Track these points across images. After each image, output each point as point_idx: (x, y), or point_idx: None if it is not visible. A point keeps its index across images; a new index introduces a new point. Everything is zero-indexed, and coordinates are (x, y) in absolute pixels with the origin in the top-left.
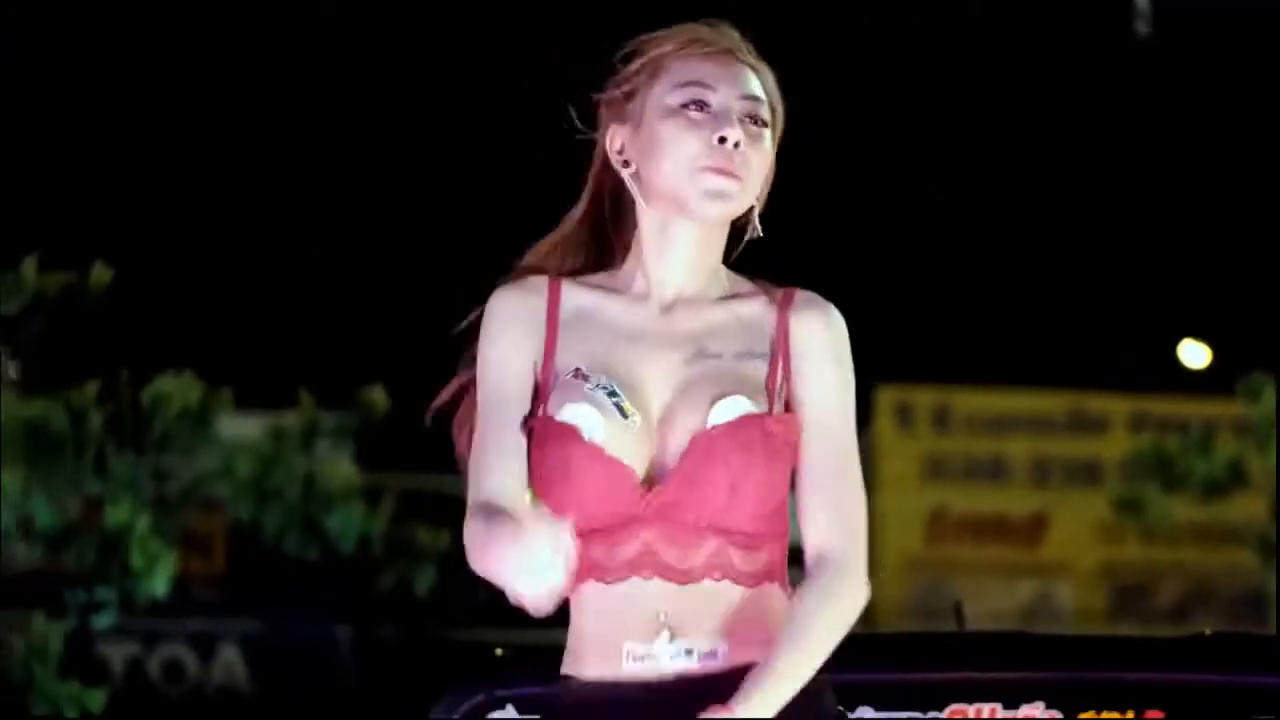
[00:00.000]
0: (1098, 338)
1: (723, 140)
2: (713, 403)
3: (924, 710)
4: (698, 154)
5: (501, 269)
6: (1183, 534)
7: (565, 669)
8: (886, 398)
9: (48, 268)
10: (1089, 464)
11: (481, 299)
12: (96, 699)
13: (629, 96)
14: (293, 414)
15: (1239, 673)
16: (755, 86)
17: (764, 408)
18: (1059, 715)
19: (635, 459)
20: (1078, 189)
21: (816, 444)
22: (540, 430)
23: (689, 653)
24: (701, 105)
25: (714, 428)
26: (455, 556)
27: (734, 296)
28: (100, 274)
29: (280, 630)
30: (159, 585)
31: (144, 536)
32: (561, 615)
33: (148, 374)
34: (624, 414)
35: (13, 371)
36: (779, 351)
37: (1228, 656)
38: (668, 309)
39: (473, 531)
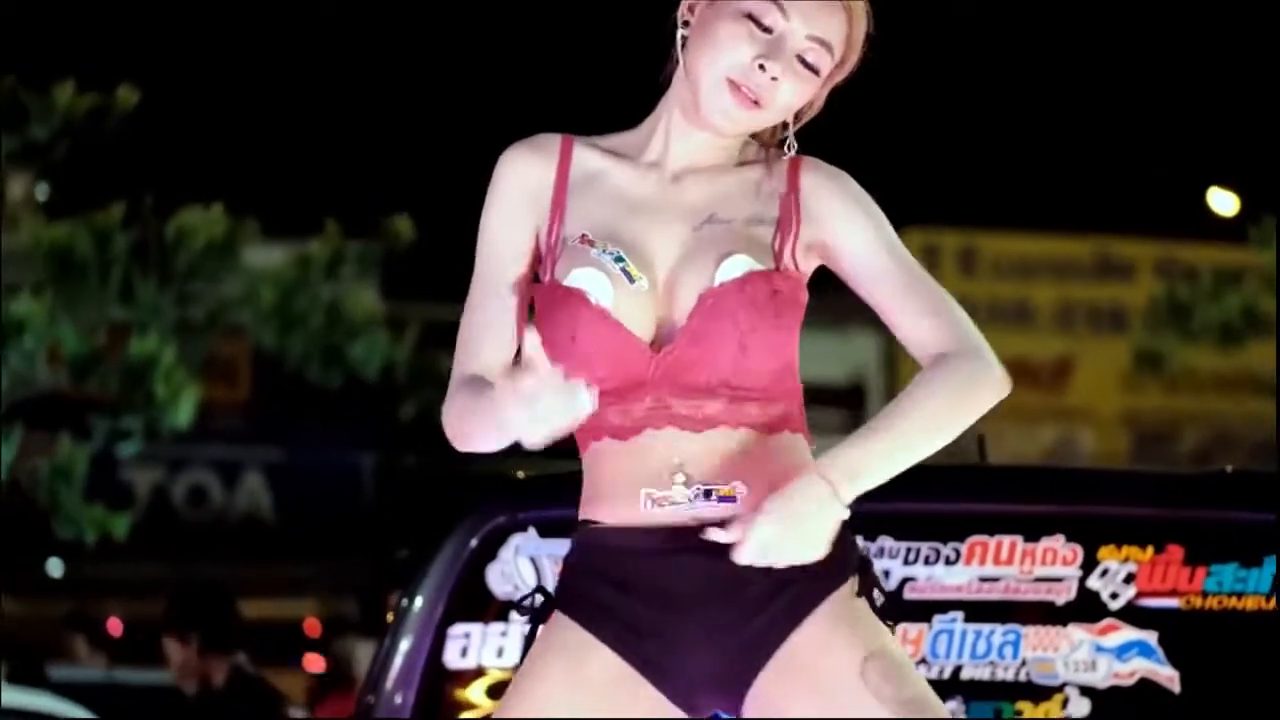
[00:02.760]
0: (1126, 183)
1: (762, 67)
2: (718, 262)
3: (944, 541)
4: (733, 67)
5: (527, 103)
6: (1204, 382)
7: (582, 515)
8: (912, 241)
9: (76, 93)
10: (1115, 310)
11: (508, 131)
12: (120, 524)
13: None
14: (318, 242)
15: (1258, 510)
16: (830, 29)
17: (770, 267)
18: (1079, 549)
19: (643, 322)
20: (1109, 32)
21: (879, 275)
22: (546, 296)
23: (707, 494)
24: (767, 27)
25: (720, 285)
26: None
27: (743, 164)
28: (125, 95)
29: (303, 457)
30: (183, 416)
31: (170, 367)
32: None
33: (173, 200)
34: (631, 278)
35: (39, 194)
36: (790, 215)
37: (1247, 494)
38: (677, 178)
39: (457, 405)
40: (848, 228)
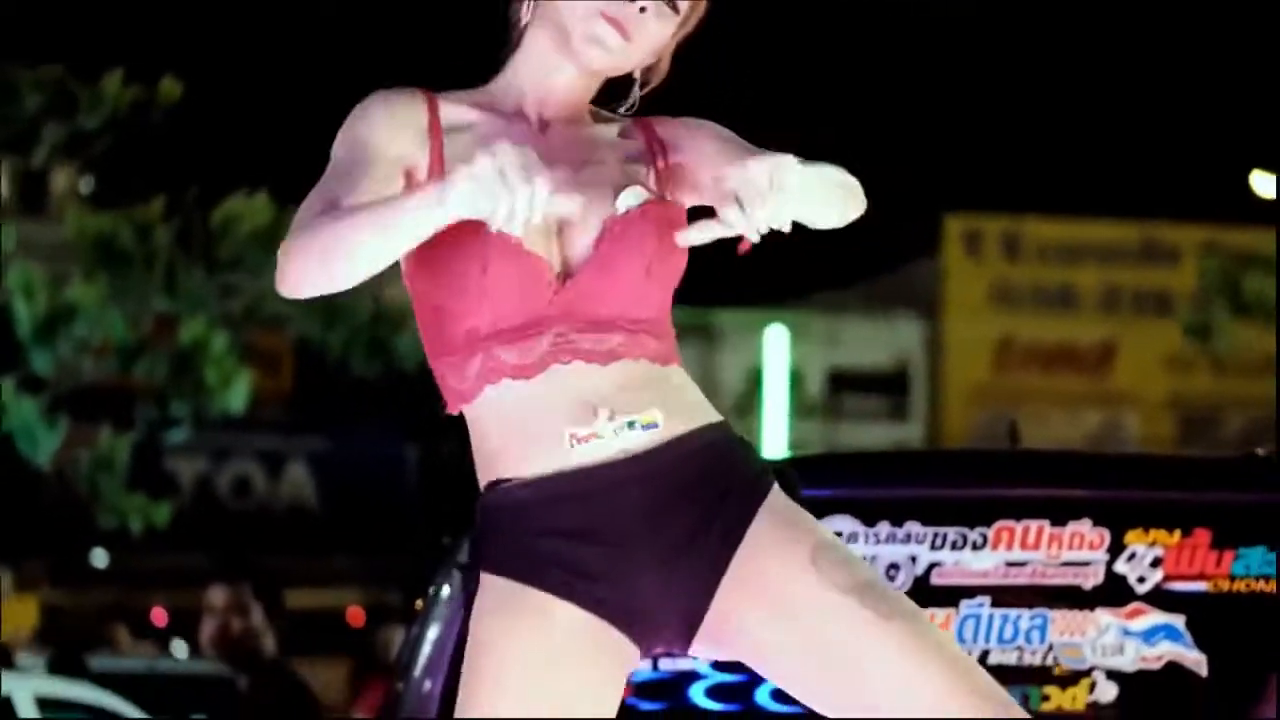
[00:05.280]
0: (1169, 167)
1: None
2: (616, 194)
3: (971, 526)
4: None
5: None
6: (1252, 365)
7: (496, 474)
8: (955, 226)
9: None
10: (1159, 294)
11: None
12: (162, 512)
13: None
14: None
15: None
16: None
17: (657, 198)
18: (1106, 533)
19: (548, 256)
20: (1153, 18)
21: (731, 147)
22: (447, 230)
23: (631, 425)
24: None
25: (625, 213)
26: None
27: (602, 120)
28: (169, 87)
29: (347, 448)
30: (235, 400)
31: (221, 353)
32: None
33: (215, 191)
34: None
35: (83, 187)
36: (653, 149)
37: (1276, 477)
38: (543, 127)
39: (325, 226)
40: (694, 140)
